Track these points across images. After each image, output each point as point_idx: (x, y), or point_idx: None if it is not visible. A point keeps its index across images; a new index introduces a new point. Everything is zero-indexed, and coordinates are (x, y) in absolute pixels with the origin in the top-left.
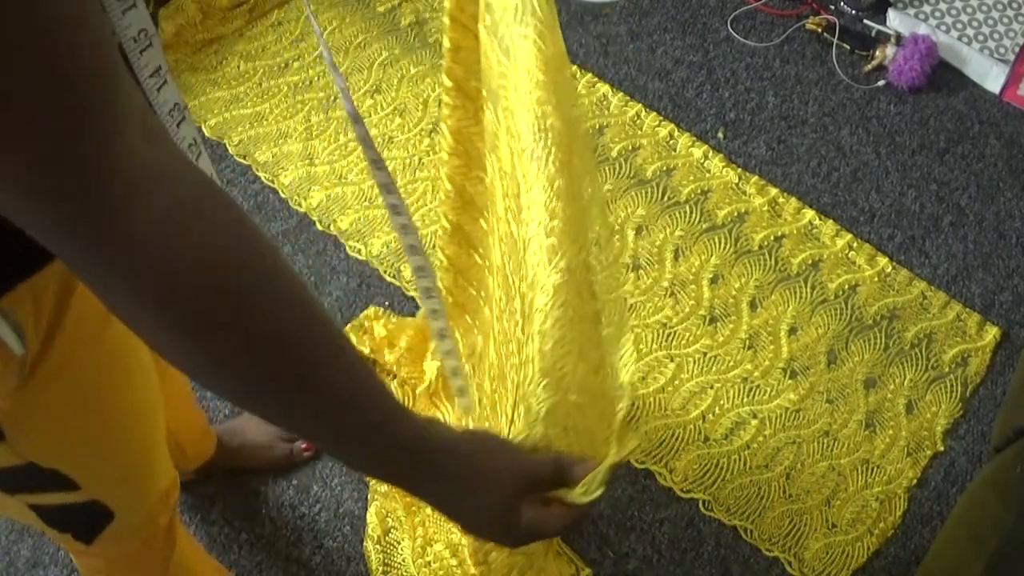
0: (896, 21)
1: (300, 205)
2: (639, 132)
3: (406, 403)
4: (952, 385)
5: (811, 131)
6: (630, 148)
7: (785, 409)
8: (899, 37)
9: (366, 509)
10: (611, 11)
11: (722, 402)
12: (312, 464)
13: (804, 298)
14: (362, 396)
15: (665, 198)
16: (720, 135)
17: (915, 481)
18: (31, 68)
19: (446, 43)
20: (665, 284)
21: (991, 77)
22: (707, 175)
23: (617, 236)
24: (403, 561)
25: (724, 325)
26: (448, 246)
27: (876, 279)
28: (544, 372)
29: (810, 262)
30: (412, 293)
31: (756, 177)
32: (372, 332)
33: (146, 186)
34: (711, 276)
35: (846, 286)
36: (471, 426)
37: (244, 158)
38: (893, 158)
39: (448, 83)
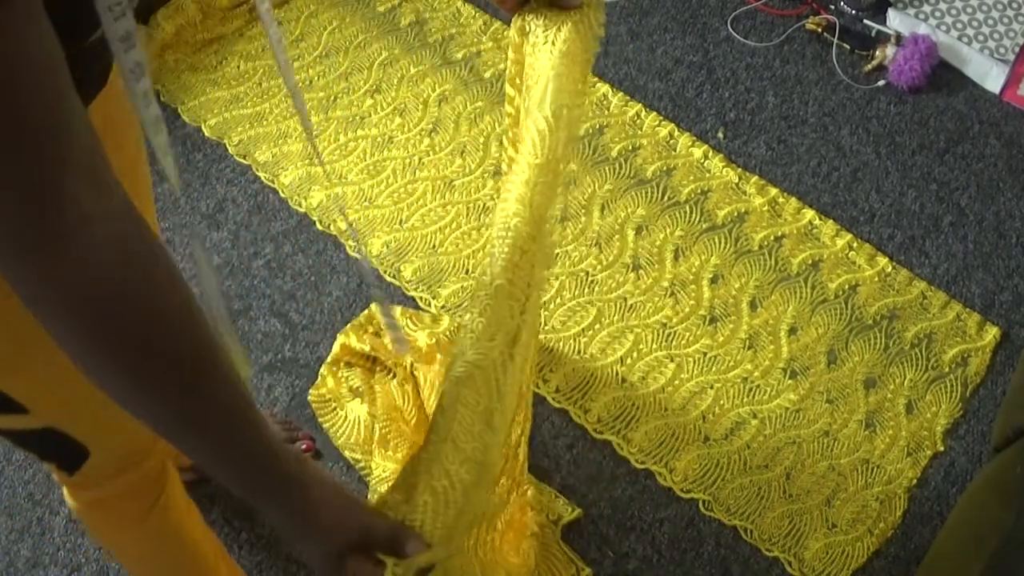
0: (896, 21)
1: (300, 205)
2: (639, 132)
3: (404, 404)
4: (952, 385)
5: (811, 131)
6: (630, 148)
7: (785, 409)
8: (899, 37)
9: None
10: (611, 11)
11: (722, 402)
12: None
13: (804, 298)
14: (238, 411)
15: (665, 198)
16: (720, 135)
17: (915, 481)
18: None
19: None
20: (665, 284)
21: (991, 77)
22: (707, 175)
23: (617, 236)
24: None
25: (724, 325)
26: None
27: (876, 279)
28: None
29: (810, 262)
30: (412, 293)
31: (756, 177)
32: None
33: (85, 232)
34: (711, 276)
35: (846, 286)
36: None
37: (244, 158)
38: (893, 158)
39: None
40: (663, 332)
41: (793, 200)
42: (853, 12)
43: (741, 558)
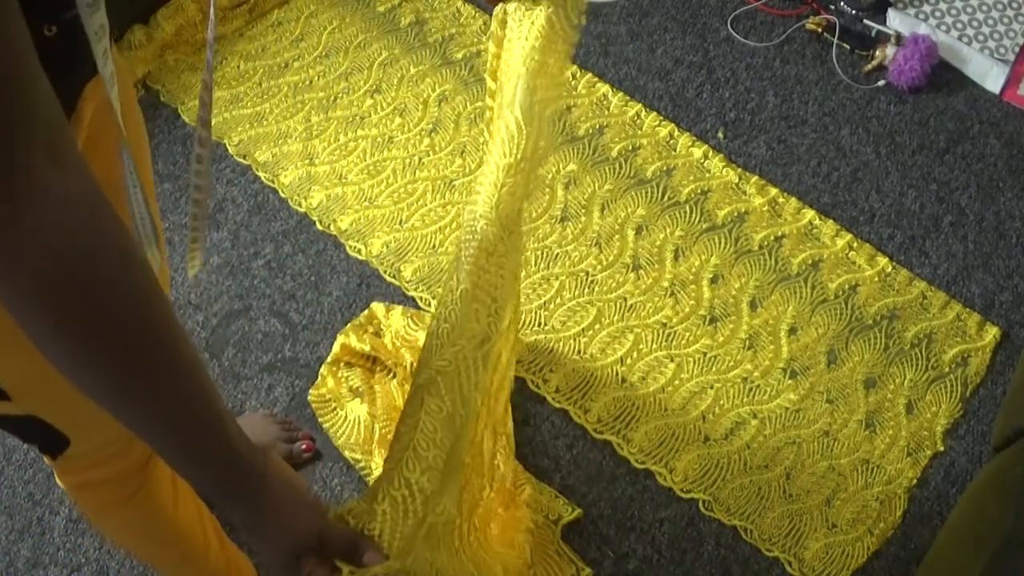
0: (896, 21)
1: (300, 205)
2: (639, 132)
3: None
4: (952, 385)
5: (811, 131)
6: (630, 148)
7: (785, 409)
8: (899, 37)
9: None
10: (611, 11)
11: (722, 402)
12: (312, 465)
13: (804, 298)
14: (192, 401)
15: (665, 198)
16: (720, 135)
17: (915, 481)
18: None
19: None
20: (665, 284)
21: (991, 77)
22: (707, 175)
23: (617, 236)
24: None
25: (724, 325)
26: None
27: (876, 279)
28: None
29: (810, 262)
30: (412, 293)
31: (756, 177)
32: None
33: (39, 205)
34: (711, 276)
35: (846, 286)
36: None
37: (244, 158)
38: (893, 158)
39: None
40: (663, 332)
41: (793, 200)
42: (853, 12)
43: (741, 558)
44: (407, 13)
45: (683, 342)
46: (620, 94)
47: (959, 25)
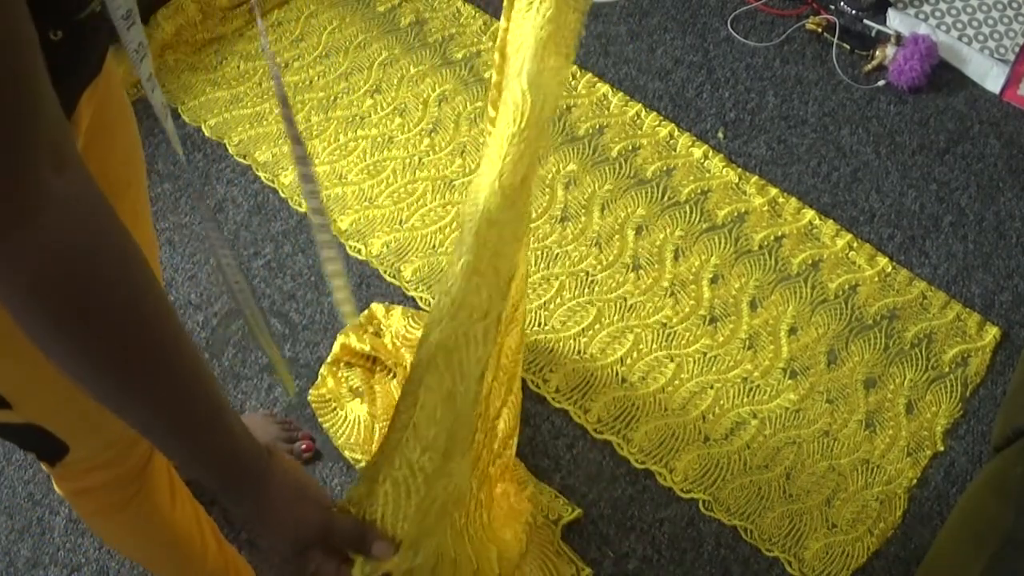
0: (896, 21)
1: (300, 205)
2: (639, 132)
3: None
4: (952, 385)
5: (811, 131)
6: (630, 148)
7: (785, 409)
8: (899, 37)
9: None
10: (611, 11)
11: (722, 402)
12: (312, 465)
13: (804, 298)
14: (199, 387)
15: (665, 198)
16: (720, 135)
17: (915, 481)
18: None
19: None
20: (665, 284)
21: (991, 77)
22: (707, 175)
23: (617, 236)
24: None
25: (724, 325)
26: None
27: (876, 279)
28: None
29: (810, 262)
30: (412, 293)
31: (756, 177)
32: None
33: (43, 209)
34: (711, 276)
35: (846, 286)
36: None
37: (244, 158)
38: (893, 158)
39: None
40: (663, 332)
41: (793, 200)
42: (853, 12)
43: (741, 558)
44: (407, 13)
45: (683, 342)
46: (620, 94)
47: (959, 25)
